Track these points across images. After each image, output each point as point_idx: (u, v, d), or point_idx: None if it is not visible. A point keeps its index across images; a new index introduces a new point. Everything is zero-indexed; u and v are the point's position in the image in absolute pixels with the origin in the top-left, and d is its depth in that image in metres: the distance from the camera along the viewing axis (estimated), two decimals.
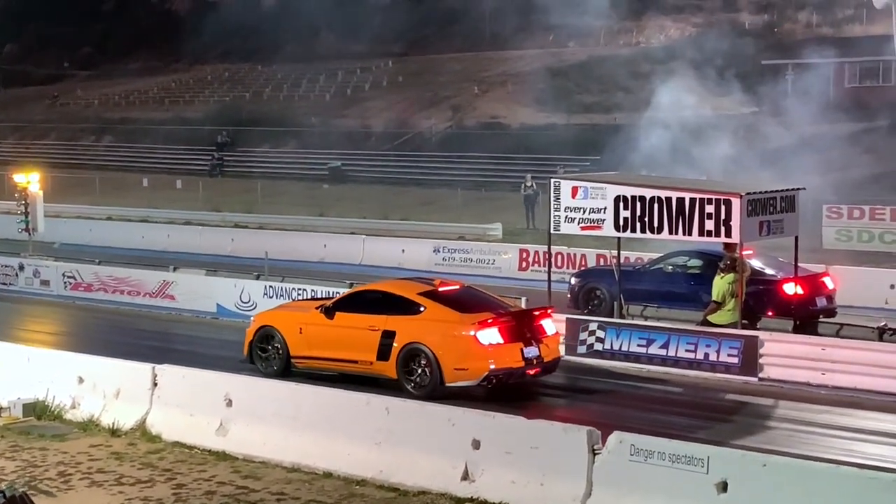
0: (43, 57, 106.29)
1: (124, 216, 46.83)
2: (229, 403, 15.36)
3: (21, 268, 30.08)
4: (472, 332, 17.75)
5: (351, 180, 63.20)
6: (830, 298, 22.90)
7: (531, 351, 18.10)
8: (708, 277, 21.33)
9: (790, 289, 21.93)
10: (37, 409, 16.75)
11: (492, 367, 17.69)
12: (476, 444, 13.26)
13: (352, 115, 74.88)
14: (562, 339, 20.46)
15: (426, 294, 18.76)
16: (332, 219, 45.17)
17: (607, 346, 20.62)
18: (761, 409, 17.81)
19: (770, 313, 22.10)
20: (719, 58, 52.68)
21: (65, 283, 29.06)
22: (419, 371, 18.08)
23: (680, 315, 22.42)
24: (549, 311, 19.14)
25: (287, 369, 19.36)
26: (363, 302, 19.15)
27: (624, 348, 20.46)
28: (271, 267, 28.61)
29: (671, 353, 20.00)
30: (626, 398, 18.66)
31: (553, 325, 18.95)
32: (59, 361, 17.60)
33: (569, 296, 24.74)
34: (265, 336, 19.78)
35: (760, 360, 19.20)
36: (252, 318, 20.75)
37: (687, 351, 19.87)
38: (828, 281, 23.20)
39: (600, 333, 20.73)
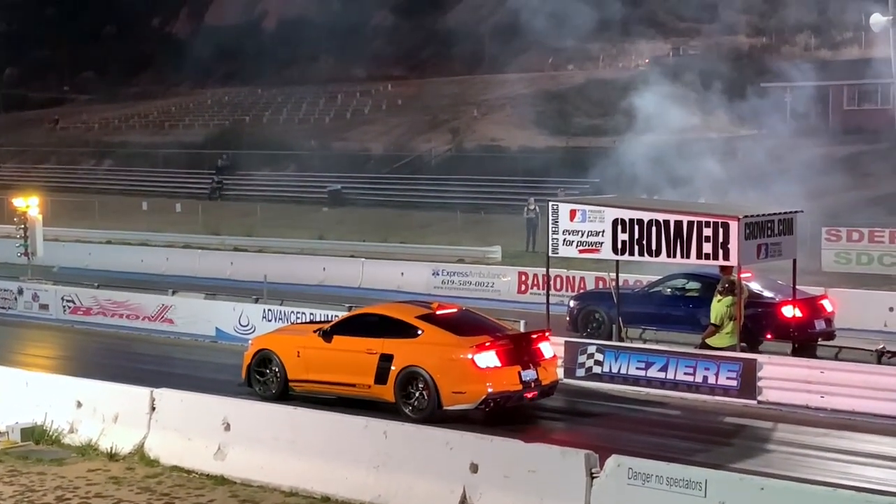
0: (43, 81, 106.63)
1: (124, 240, 46.87)
2: (227, 427, 15.35)
3: (20, 291, 30.10)
4: (469, 356, 17.75)
5: (350, 203, 63.27)
6: (829, 321, 22.91)
7: (529, 374, 18.09)
8: (706, 300, 21.34)
9: (789, 312, 21.94)
10: (35, 434, 16.72)
11: (490, 390, 17.68)
12: (474, 468, 13.24)
13: (351, 138, 75.04)
14: (560, 362, 20.49)
15: (424, 317, 18.77)
16: (331, 242, 45.21)
17: (606, 370, 20.61)
18: (760, 432, 17.80)
19: (769, 336, 22.11)
20: (718, 80, 52.82)
21: (64, 306, 29.06)
22: (417, 394, 18.07)
23: (678, 338, 22.44)
24: (546, 334, 19.15)
25: (285, 393, 19.35)
26: (361, 325, 19.17)
27: (623, 371, 20.45)
28: (270, 290, 28.62)
29: (670, 375, 19.99)
30: (625, 421, 18.64)
31: (551, 348, 18.95)
32: (58, 386, 17.59)
33: (567, 319, 24.75)
34: (263, 359, 19.78)
35: (759, 383, 19.19)
36: (250, 342, 20.76)
37: (686, 374, 19.87)
38: (826, 304, 23.21)
39: (599, 356, 20.73)
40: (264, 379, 19.68)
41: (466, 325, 18.76)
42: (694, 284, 23.47)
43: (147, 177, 74.77)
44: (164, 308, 27.24)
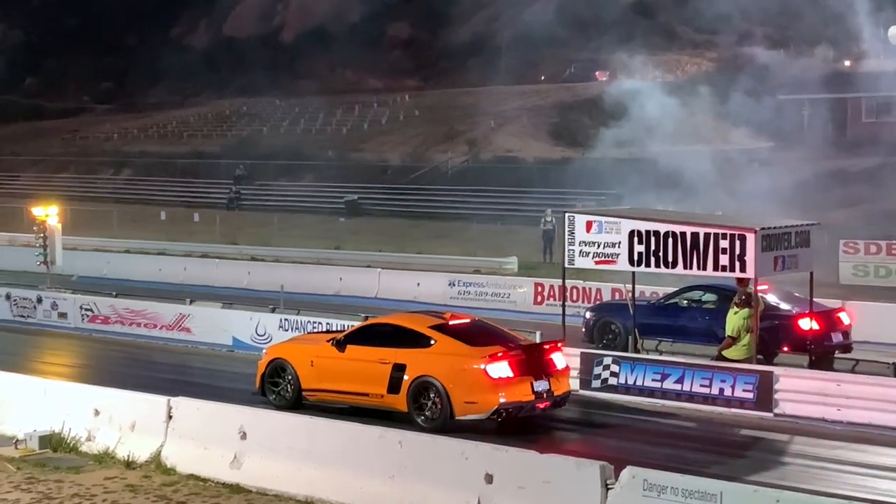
0: (63, 91, 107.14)
1: (142, 249, 47.03)
2: (244, 436, 15.41)
3: (39, 300, 30.23)
4: (482, 366, 17.79)
5: (367, 214, 63.39)
6: (846, 334, 22.85)
7: (541, 385, 18.12)
8: (722, 312, 21.33)
9: (806, 324, 21.91)
10: (53, 442, 16.82)
11: (502, 400, 17.72)
12: (489, 478, 13.26)
13: (368, 148, 75.21)
14: (576, 373, 20.50)
15: (436, 327, 18.83)
16: (347, 252, 45.29)
17: (622, 381, 20.60)
18: (776, 445, 17.77)
19: (785, 349, 22.09)
20: (735, 92, 52.73)
21: (82, 315, 29.19)
22: (429, 404, 18.11)
23: (695, 350, 22.44)
24: (559, 344, 19.16)
25: (298, 402, 19.42)
26: (374, 335, 19.24)
27: (638, 383, 20.44)
28: (287, 300, 28.71)
29: (686, 387, 19.98)
30: (640, 433, 18.63)
31: (563, 358, 18.95)
32: (76, 394, 17.69)
33: (583, 330, 24.75)
34: (277, 369, 19.85)
35: (775, 396, 19.16)
36: (264, 351, 20.83)
37: (702, 386, 19.84)
38: (843, 316, 23.14)
39: (615, 368, 20.73)
40: (278, 388, 19.75)
41: (479, 335, 18.80)
42: (710, 296, 23.45)
43: (165, 186, 75.04)
44: (181, 317, 27.34)
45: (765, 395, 19.18)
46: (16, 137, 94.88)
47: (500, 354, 17.97)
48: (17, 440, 16.95)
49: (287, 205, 66.35)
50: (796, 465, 16.59)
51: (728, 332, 20.63)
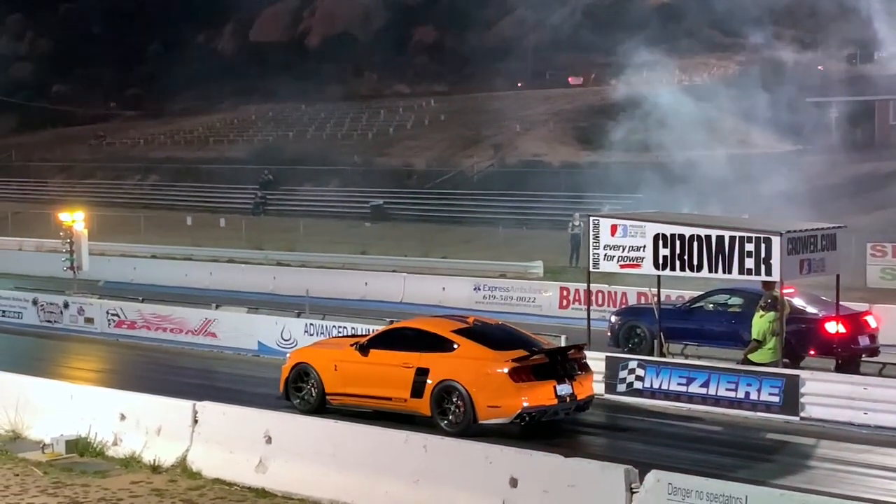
0: (90, 97, 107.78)
1: (168, 254, 47.25)
2: (269, 440, 15.44)
3: (66, 305, 30.39)
4: (505, 370, 17.77)
5: (393, 218, 63.47)
6: (873, 337, 22.68)
7: (564, 389, 18.07)
8: (748, 316, 21.24)
9: (832, 327, 21.79)
10: (79, 446, 16.88)
11: (525, 404, 17.70)
12: (513, 482, 13.24)
13: (394, 153, 75.32)
14: (601, 377, 20.46)
15: (460, 331, 18.82)
16: (373, 257, 45.33)
17: (647, 385, 20.53)
18: (802, 449, 17.67)
19: (812, 352, 21.96)
20: (762, 95, 52.54)
21: (108, 320, 29.33)
22: (453, 408, 18.10)
23: (720, 353, 22.34)
24: (583, 348, 19.12)
25: (322, 406, 19.45)
26: (397, 339, 19.25)
27: (664, 387, 20.36)
28: (312, 305, 28.77)
29: (711, 391, 19.89)
30: (666, 436, 18.56)
31: (587, 363, 18.92)
32: (102, 398, 17.77)
33: (609, 334, 24.69)
34: (301, 373, 19.89)
35: (802, 399, 19.05)
36: (288, 356, 20.87)
37: (727, 390, 19.76)
38: (870, 320, 22.98)
39: (640, 372, 20.66)
40: (302, 392, 19.79)
41: (502, 339, 18.77)
42: (736, 300, 23.36)
43: (191, 192, 75.39)
44: (207, 322, 27.43)
45: (791, 399, 19.08)
46: (44, 144, 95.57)
47: (523, 358, 17.95)
48: (44, 445, 17.03)
49: (313, 210, 66.52)
50: (822, 468, 16.50)
51: (754, 335, 20.54)
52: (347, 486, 14.41)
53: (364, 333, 21.61)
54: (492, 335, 18.84)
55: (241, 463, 15.46)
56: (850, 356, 21.90)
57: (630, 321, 24.79)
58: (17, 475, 15.83)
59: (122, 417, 16.97)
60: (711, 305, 23.86)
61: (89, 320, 29.79)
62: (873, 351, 22.46)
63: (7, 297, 31.98)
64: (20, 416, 17.92)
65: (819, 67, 68.08)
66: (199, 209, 69.44)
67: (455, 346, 18.51)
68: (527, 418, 17.79)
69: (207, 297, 32.57)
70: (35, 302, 31.10)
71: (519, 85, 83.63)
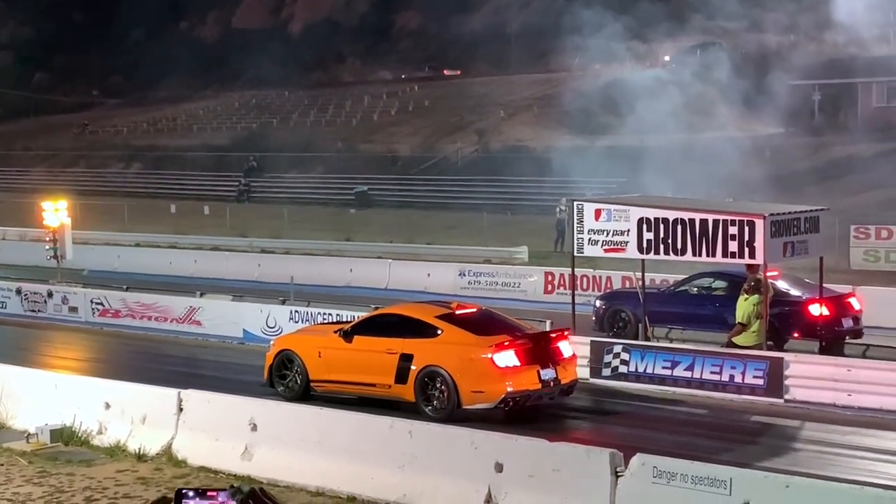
0: (72, 85, 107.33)
1: (152, 243, 47.13)
2: (254, 428, 15.43)
3: (50, 294, 30.29)
4: (489, 355, 17.81)
5: (377, 205, 63.41)
6: (857, 319, 22.78)
7: (548, 373, 18.12)
8: (733, 299, 21.27)
9: (816, 310, 21.88)
10: (64, 435, 16.85)
11: (509, 389, 17.73)
12: (499, 467, 13.26)
13: (378, 139, 75.21)
14: (586, 361, 20.52)
15: (443, 317, 18.84)
16: (358, 243, 45.30)
17: (632, 369, 20.59)
18: (786, 431, 17.75)
19: (796, 335, 22.05)
20: (746, 79, 52.59)
21: (93, 309, 29.25)
22: (437, 394, 18.14)
23: (705, 337, 22.40)
24: (566, 333, 19.15)
25: (307, 393, 19.46)
26: (381, 325, 19.27)
27: (649, 370, 20.42)
28: (297, 292, 28.74)
29: (696, 375, 19.95)
30: (650, 420, 18.62)
31: (570, 347, 18.95)
32: (87, 387, 17.74)
33: (593, 318, 24.72)
34: (285, 360, 19.90)
35: (786, 382, 19.13)
36: (272, 343, 20.88)
37: (712, 373, 19.82)
38: (854, 302, 23.07)
39: (625, 356, 20.71)
40: (286, 380, 19.80)
41: (486, 324, 18.81)
42: (720, 283, 23.43)
43: (175, 180, 75.18)
44: (191, 310, 27.38)
45: (775, 382, 19.15)
46: (26, 133, 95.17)
47: (506, 343, 17.98)
48: (29, 434, 17.00)
49: (297, 197, 66.39)
50: (807, 450, 16.57)
51: (738, 318, 20.60)
52: (333, 473, 14.42)
53: (348, 320, 21.61)
54: (475, 321, 18.86)
55: (227, 450, 15.45)
56: (833, 338, 21.98)
57: (614, 305, 24.83)
58: (2, 465, 15.80)
59: (107, 406, 16.95)
60: (696, 289, 23.94)
61: (73, 309, 29.71)
62: (857, 333, 22.56)
63: None
64: (4, 406, 17.89)
65: (802, 51, 68.16)
66: (183, 197, 69.27)
67: (439, 331, 18.52)
68: (511, 403, 17.82)
69: (192, 285, 32.46)
70: (19, 291, 30.99)
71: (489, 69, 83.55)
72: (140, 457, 15.96)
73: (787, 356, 19.58)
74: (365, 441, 14.56)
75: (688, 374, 20.01)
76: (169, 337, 27.14)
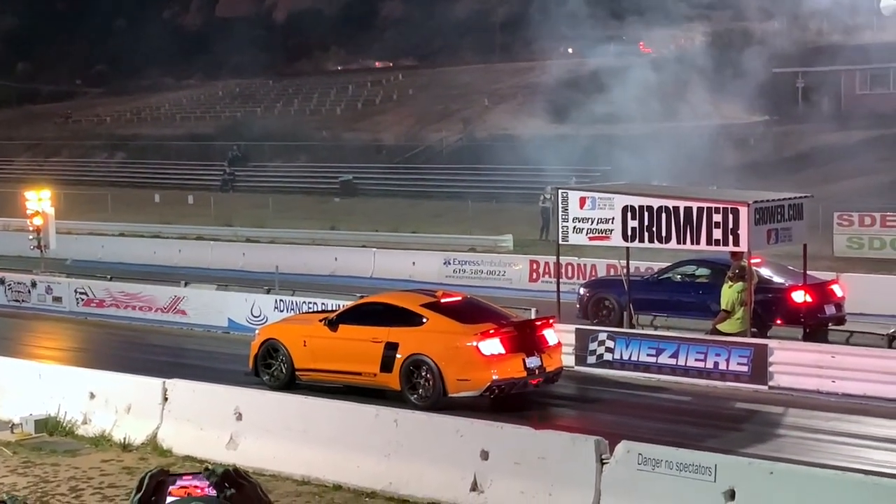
0: (55, 75, 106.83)
1: (136, 232, 46.98)
2: (239, 417, 15.43)
3: (34, 284, 30.18)
4: (474, 343, 17.82)
5: (362, 194, 63.34)
6: (839, 306, 22.83)
7: (533, 361, 18.14)
8: (716, 286, 21.32)
9: (799, 297, 21.96)
10: (49, 425, 16.82)
11: (494, 377, 17.75)
12: (485, 455, 13.29)
13: (363, 128, 75.09)
14: (571, 349, 20.56)
15: (428, 305, 18.85)
16: (343, 232, 45.25)
17: (617, 356, 20.63)
18: (771, 418, 17.82)
19: (779, 321, 22.11)
20: (729, 66, 52.67)
21: (77, 299, 29.17)
22: (422, 382, 18.15)
23: (689, 324, 22.46)
24: (551, 321, 19.17)
25: (292, 382, 19.45)
26: (366, 314, 19.27)
27: (633, 358, 20.46)
28: (282, 281, 28.69)
29: (681, 362, 20.00)
30: (636, 408, 18.67)
31: (555, 335, 18.96)
32: (71, 377, 17.70)
33: (578, 306, 24.76)
34: (270, 349, 19.89)
35: (770, 369, 19.19)
36: (257, 331, 20.85)
37: (697, 360, 19.88)
38: (836, 289, 23.12)
39: (610, 343, 20.75)
40: (271, 369, 19.78)
41: (471, 312, 18.82)
42: (703, 271, 23.49)
43: (159, 169, 74.94)
44: (176, 299, 27.32)
45: (760, 368, 19.22)
46: (9, 122, 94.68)
47: (491, 331, 17.99)
48: (13, 424, 16.95)
49: (282, 186, 66.28)
50: (791, 437, 16.64)
51: (723, 305, 20.63)
52: (318, 462, 14.43)
53: (333, 309, 21.59)
54: (460, 309, 18.88)
55: (212, 440, 15.45)
56: (816, 325, 22.06)
57: (599, 293, 24.85)
58: None
59: (92, 396, 16.92)
60: (679, 276, 23.98)
61: (57, 299, 29.62)
62: (840, 320, 22.62)
63: None
64: None
65: (786, 38, 68.28)
66: (167, 186, 69.08)
67: (424, 320, 18.53)
68: (496, 391, 17.84)
69: (176, 275, 32.39)
70: (2, 281, 30.86)
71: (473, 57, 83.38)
72: (125, 446, 15.95)
73: (771, 343, 19.66)
74: (350, 430, 14.57)
75: (672, 361, 20.07)
76: (153, 326, 27.07)
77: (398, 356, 18.34)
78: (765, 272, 22.43)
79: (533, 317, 20.53)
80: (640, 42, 74.15)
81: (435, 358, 17.98)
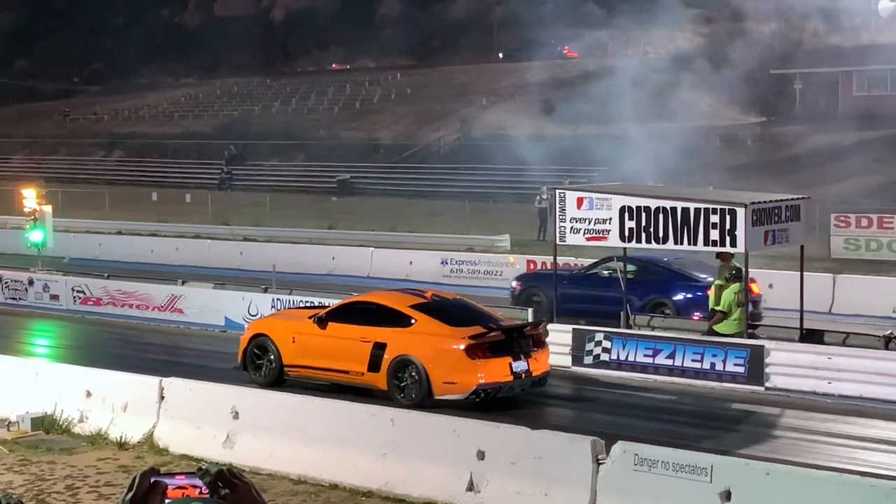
0: (52, 72, 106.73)
1: (134, 230, 46.94)
2: (236, 416, 15.44)
3: (31, 282, 30.16)
4: (461, 346, 17.82)
5: (359, 193, 63.34)
6: (756, 303, 23.26)
7: (520, 365, 18.11)
8: (639, 282, 22.39)
9: None
10: (45, 423, 16.82)
11: (481, 381, 17.75)
12: (481, 455, 13.30)
13: (360, 127, 75.06)
14: (568, 349, 20.58)
15: (417, 307, 18.85)
16: (340, 231, 45.24)
17: (613, 357, 20.64)
18: (767, 419, 17.84)
19: (696, 316, 22.53)
20: (727, 68, 52.68)
21: (74, 297, 29.14)
22: (409, 383, 18.15)
23: (687, 325, 22.49)
24: (540, 325, 19.19)
25: (280, 378, 19.50)
26: (355, 313, 19.32)
27: (630, 358, 20.48)
28: (279, 280, 28.69)
29: (677, 362, 20.03)
30: (632, 408, 18.69)
31: (543, 339, 18.94)
32: (68, 375, 17.71)
33: (510, 298, 25.32)
34: (259, 344, 19.93)
35: (766, 370, 19.22)
36: (247, 326, 20.87)
37: (693, 361, 19.90)
38: (754, 286, 23.50)
39: (606, 344, 20.76)
40: (260, 364, 19.82)
41: (460, 315, 18.81)
42: (629, 267, 24.03)
43: (157, 167, 74.92)
44: (173, 298, 27.30)
45: (756, 369, 19.24)
46: (6, 120, 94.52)
47: (479, 335, 17.98)
48: (10, 422, 16.96)
49: (279, 184, 66.25)
50: (787, 438, 16.66)
51: (720, 306, 20.65)
52: (315, 461, 14.44)
53: (322, 305, 21.57)
54: (449, 311, 18.90)
55: (209, 439, 15.46)
56: None
57: (529, 287, 25.73)
58: None
59: (88, 394, 16.92)
60: (607, 272, 24.66)
61: (54, 297, 29.59)
62: (756, 316, 22.91)
63: None
64: None
65: (784, 39, 68.33)
66: (165, 185, 69.00)
67: (413, 321, 18.55)
68: (482, 394, 17.84)
69: (173, 273, 32.39)
70: None
71: (472, 57, 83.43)
72: (121, 445, 15.95)
73: (767, 344, 19.68)
74: (347, 429, 14.59)
75: (669, 361, 20.09)
76: (150, 325, 27.06)
77: (385, 356, 18.36)
78: (686, 268, 23.40)
79: (530, 318, 20.55)
80: (637, 42, 74.18)
81: (422, 359, 17.99)
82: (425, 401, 17.73)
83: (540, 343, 18.69)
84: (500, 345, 18.04)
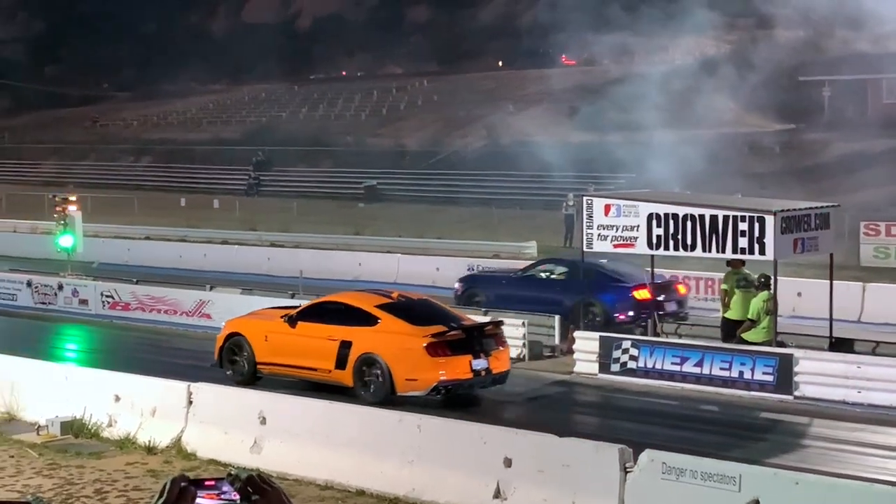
0: (83, 79, 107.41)
1: (162, 236, 47.11)
2: (263, 421, 15.47)
3: (60, 287, 30.32)
4: (422, 345, 18.34)
5: (386, 199, 63.40)
6: (681, 303, 24.32)
7: (480, 363, 18.63)
8: (571, 284, 23.29)
9: (640, 294, 23.20)
10: (74, 427, 16.91)
11: (441, 378, 18.34)
12: (508, 462, 13.28)
13: (387, 133, 75.20)
14: (595, 357, 20.58)
15: (383, 306, 19.43)
16: (367, 237, 45.26)
17: (641, 365, 20.58)
18: (796, 428, 17.74)
19: (622, 316, 23.28)
20: (755, 74, 52.48)
21: (103, 302, 29.29)
22: (373, 380, 18.71)
23: (713, 333, 22.39)
24: (500, 325, 19.62)
25: (254, 375, 20.07)
26: (324, 312, 19.88)
27: (658, 366, 20.41)
28: (306, 285, 28.75)
29: (705, 371, 19.94)
30: (660, 416, 18.62)
31: (504, 338, 19.43)
32: (97, 380, 17.79)
33: (454, 298, 26.11)
34: (234, 342, 20.51)
35: (795, 378, 19.12)
36: (223, 324, 21.26)
37: (721, 369, 19.81)
38: (680, 288, 24.78)
39: (634, 351, 20.70)
40: (235, 361, 20.40)
41: (423, 314, 19.39)
42: (561, 269, 25.16)
43: (185, 173, 75.22)
44: (201, 303, 27.41)
45: (785, 378, 19.14)
46: (37, 125, 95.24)
47: (440, 334, 18.49)
48: (39, 426, 17.05)
49: (306, 190, 66.42)
50: (816, 447, 16.56)
51: (749, 314, 20.54)
52: (342, 467, 14.46)
53: (295, 305, 21.87)
54: (413, 310, 19.48)
55: (236, 443, 15.50)
56: (658, 318, 22.47)
57: (470, 288, 26.81)
58: (13, 457, 15.86)
59: (117, 399, 17.00)
60: (543, 274, 25.60)
61: (84, 302, 29.75)
62: (680, 315, 23.95)
63: (2, 279, 31.89)
64: (15, 398, 17.94)
65: (812, 46, 68.02)
66: (193, 190, 69.27)
67: (378, 320, 19.14)
68: (443, 391, 18.41)
69: (202, 279, 32.51)
70: (29, 284, 31.02)
71: (499, 63, 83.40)
72: (150, 449, 16.01)
73: (797, 352, 19.56)
74: (374, 435, 14.60)
75: (697, 370, 20.01)
76: (178, 330, 27.17)
77: (351, 354, 18.95)
78: (613, 271, 24.01)
79: (556, 326, 20.81)
80: (663, 48, 73.96)
81: (385, 357, 18.59)
82: (389, 397, 18.27)
83: (501, 342, 19.23)
84: (461, 343, 18.61)
